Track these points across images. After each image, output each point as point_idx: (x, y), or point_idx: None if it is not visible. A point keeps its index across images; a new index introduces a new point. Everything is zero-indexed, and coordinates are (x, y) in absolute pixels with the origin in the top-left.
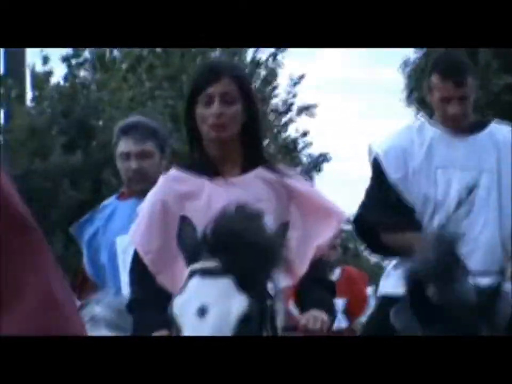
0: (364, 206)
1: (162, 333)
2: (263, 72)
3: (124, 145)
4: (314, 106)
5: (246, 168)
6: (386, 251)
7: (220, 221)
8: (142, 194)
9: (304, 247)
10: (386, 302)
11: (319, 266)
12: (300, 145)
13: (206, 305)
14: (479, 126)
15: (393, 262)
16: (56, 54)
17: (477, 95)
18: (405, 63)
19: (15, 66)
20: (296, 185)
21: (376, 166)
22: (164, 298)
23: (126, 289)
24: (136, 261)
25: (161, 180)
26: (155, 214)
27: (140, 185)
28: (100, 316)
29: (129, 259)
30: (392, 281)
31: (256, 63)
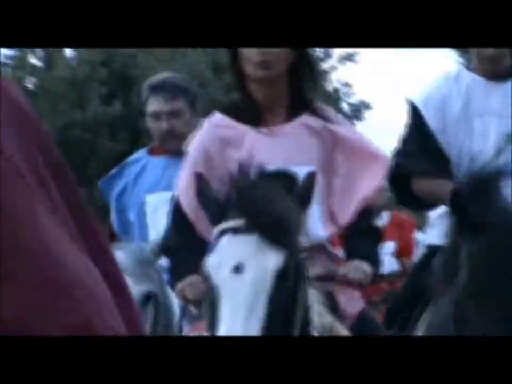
0: (399, 153)
1: (193, 278)
2: None
3: (154, 105)
4: (355, 54)
5: (291, 114)
6: (419, 201)
7: (243, 181)
8: (174, 153)
9: (349, 195)
10: (431, 252)
11: (365, 215)
12: (342, 95)
13: (241, 263)
14: None
15: (438, 212)
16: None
17: None
18: None
19: None
20: (341, 131)
21: (414, 113)
22: (202, 246)
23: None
24: (177, 208)
25: (205, 124)
26: (197, 162)
27: (172, 144)
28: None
29: (159, 218)
30: (436, 232)
31: None
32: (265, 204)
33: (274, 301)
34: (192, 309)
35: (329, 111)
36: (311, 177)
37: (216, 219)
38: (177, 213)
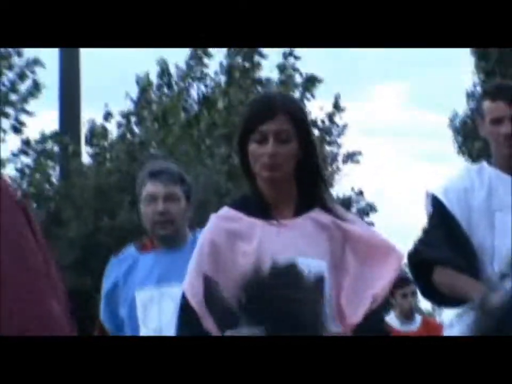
0: (421, 242)
1: None
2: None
3: (151, 187)
4: (359, 153)
5: (300, 209)
6: (441, 295)
7: (254, 286)
8: (164, 244)
9: (359, 295)
10: None
11: (374, 316)
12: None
13: None
14: None
15: (457, 311)
16: (115, 110)
17: None
18: (454, 117)
19: (71, 122)
20: (352, 228)
21: (436, 204)
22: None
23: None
24: (184, 304)
25: (212, 218)
26: (203, 255)
27: (165, 230)
28: None
29: (150, 313)
30: (457, 332)
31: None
32: (284, 312)
33: None
34: None
35: (339, 207)
36: (318, 281)
37: (224, 325)
38: (184, 308)
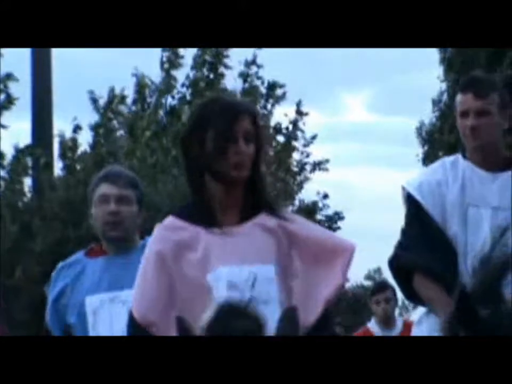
0: (400, 246)
1: None
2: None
3: (104, 188)
4: (327, 161)
5: (246, 215)
6: (419, 298)
7: (218, 328)
8: (113, 247)
9: (311, 298)
10: None
11: (326, 319)
12: (320, 206)
13: None
14: (511, 162)
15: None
16: (85, 121)
17: (507, 122)
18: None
19: (43, 135)
20: (299, 230)
21: (411, 202)
22: None
23: None
24: (130, 314)
25: (157, 229)
26: (149, 266)
27: (115, 231)
28: None
29: (100, 320)
30: (425, 329)
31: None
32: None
33: None
34: None
35: (285, 210)
36: (290, 312)
37: None
38: (131, 318)
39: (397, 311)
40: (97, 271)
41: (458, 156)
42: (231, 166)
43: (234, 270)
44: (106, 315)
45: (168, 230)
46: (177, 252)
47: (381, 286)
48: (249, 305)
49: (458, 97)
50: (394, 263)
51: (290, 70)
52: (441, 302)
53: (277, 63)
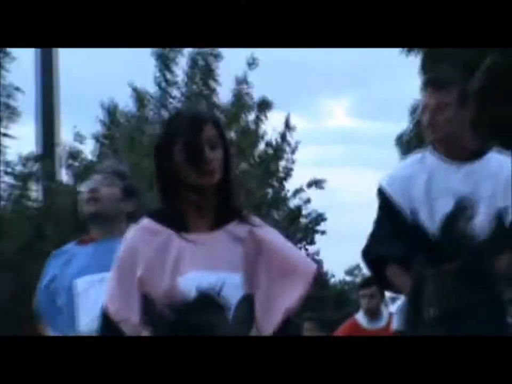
0: (372, 237)
1: None
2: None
3: (92, 180)
4: (322, 181)
5: (217, 222)
6: (393, 287)
7: (196, 320)
8: (99, 232)
9: (270, 307)
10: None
11: (286, 328)
12: (305, 212)
13: None
14: (477, 153)
15: (405, 298)
16: (88, 131)
17: (468, 113)
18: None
19: (48, 145)
20: (266, 240)
21: (382, 196)
22: None
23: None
24: (103, 308)
25: (132, 229)
26: (120, 264)
27: (93, 206)
28: None
29: (89, 300)
30: (403, 318)
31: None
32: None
33: None
34: None
35: (256, 219)
36: (247, 300)
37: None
38: (106, 324)
39: (384, 304)
40: (86, 256)
41: (426, 151)
42: (200, 174)
43: (203, 276)
44: (96, 294)
45: (143, 232)
46: (150, 253)
47: (367, 282)
48: (219, 294)
49: (422, 95)
50: (367, 255)
51: (277, 78)
52: (406, 290)
53: (265, 72)
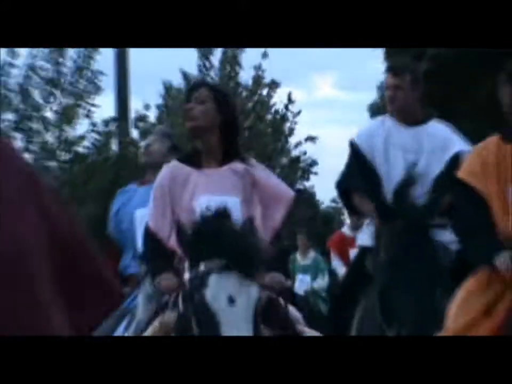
0: (343, 175)
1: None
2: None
3: (149, 139)
4: (314, 137)
5: (222, 161)
6: (357, 212)
7: (209, 227)
8: (153, 177)
9: (266, 222)
10: (363, 251)
11: (276, 239)
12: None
13: (233, 295)
14: (422, 119)
15: (367, 220)
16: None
17: (418, 92)
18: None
19: (123, 111)
20: (258, 175)
21: (353, 146)
22: (171, 254)
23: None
24: (146, 223)
25: (164, 168)
26: (157, 196)
27: (145, 159)
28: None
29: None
30: (366, 235)
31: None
32: (236, 248)
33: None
34: (166, 297)
35: (252, 159)
36: (250, 220)
37: (192, 257)
38: (151, 237)
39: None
40: (143, 194)
41: (387, 116)
42: (187, 120)
43: (212, 197)
44: None
45: (171, 169)
46: (177, 184)
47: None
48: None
49: (384, 77)
50: (339, 187)
51: (282, 63)
52: (371, 211)
53: (275, 59)
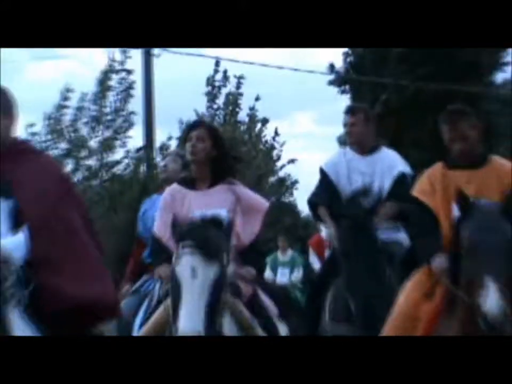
0: (312, 194)
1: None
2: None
3: (166, 160)
4: (295, 159)
5: (212, 184)
6: (322, 221)
7: (191, 224)
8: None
9: (246, 230)
10: (334, 249)
11: (253, 245)
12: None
13: (195, 270)
14: (374, 148)
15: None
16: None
17: (370, 127)
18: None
19: (149, 140)
20: (239, 191)
21: (321, 172)
22: (169, 252)
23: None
24: (155, 236)
25: (166, 189)
26: (161, 209)
27: (162, 176)
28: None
29: None
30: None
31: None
32: (206, 238)
33: (213, 293)
34: (164, 283)
35: (236, 182)
36: (230, 224)
37: (178, 240)
38: (155, 239)
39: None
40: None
41: (348, 147)
42: (190, 155)
43: (204, 211)
44: None
45: (173, 190)
46: (175, 202)
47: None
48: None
49: (344, 116)
50: (309, 202)
51: (270, 100)
52: (331, 222)
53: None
